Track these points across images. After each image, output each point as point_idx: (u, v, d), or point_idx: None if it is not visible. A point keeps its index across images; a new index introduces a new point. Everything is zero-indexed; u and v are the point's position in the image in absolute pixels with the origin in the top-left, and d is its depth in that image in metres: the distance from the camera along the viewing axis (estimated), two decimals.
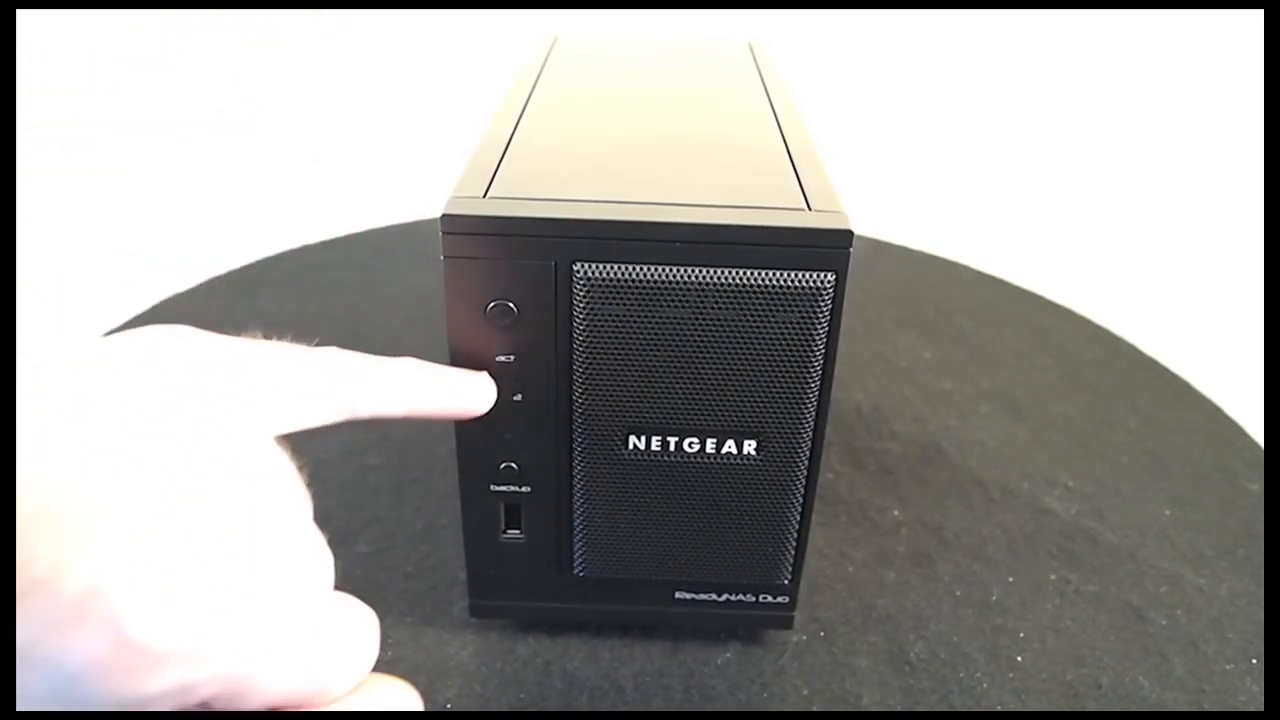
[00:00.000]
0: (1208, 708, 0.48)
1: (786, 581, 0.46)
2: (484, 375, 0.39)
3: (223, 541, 0.24)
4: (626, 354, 0.39)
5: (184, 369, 0.26)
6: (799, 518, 0.43)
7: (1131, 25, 2.08)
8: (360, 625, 0.27)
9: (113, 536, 0.22)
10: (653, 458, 0.41)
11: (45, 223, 1.69)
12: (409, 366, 0.35)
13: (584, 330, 0.38)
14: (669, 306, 0.38)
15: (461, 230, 0.37)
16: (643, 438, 0.41)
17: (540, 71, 0.57)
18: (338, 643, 0.26)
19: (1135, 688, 0.48)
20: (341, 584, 0.29)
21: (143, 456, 0.23)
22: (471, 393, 0.38)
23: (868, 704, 0.47)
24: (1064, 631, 0.51)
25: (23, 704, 0.22)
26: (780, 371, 0.39)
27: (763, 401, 0.40)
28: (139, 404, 0.24)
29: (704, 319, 0.38)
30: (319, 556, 0.27)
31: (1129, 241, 1.80)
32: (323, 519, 0.59)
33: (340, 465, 0.61)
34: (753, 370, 0.39)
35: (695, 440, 0.41)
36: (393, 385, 0.34)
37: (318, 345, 0.32)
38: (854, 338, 0.77)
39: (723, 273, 0.37)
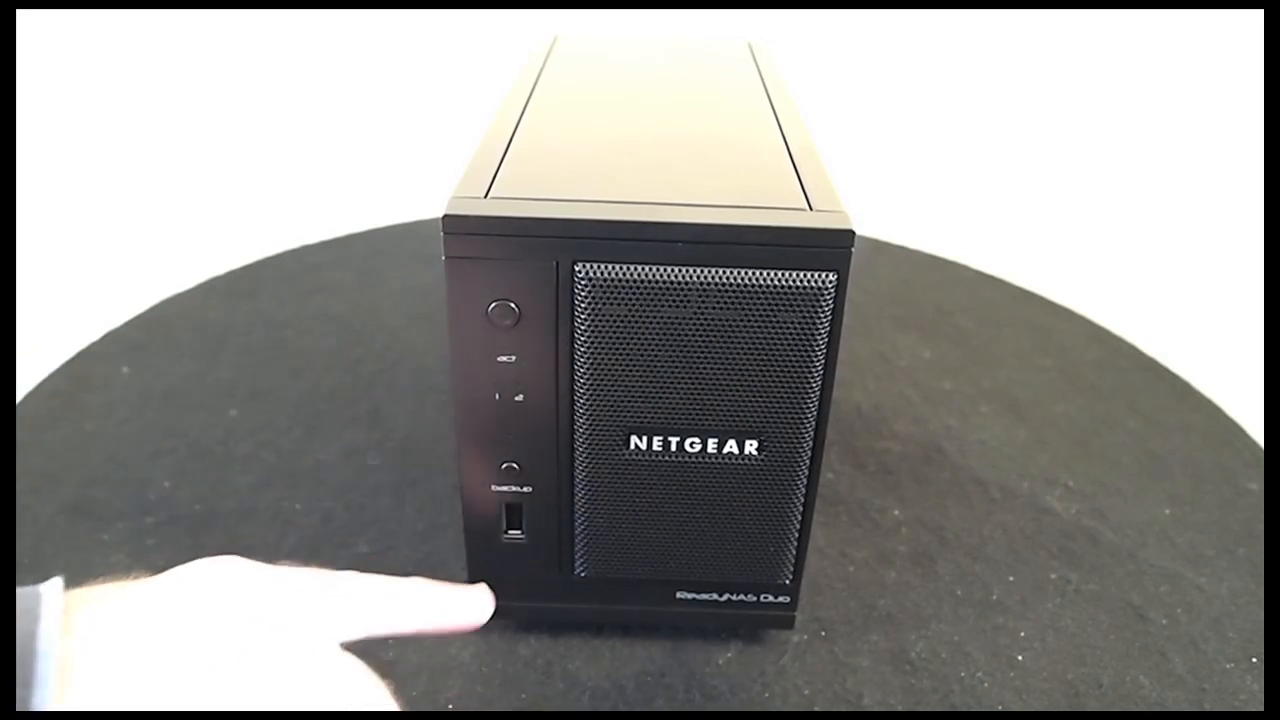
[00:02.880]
0: (1208, 707, 0.48)
1: (787, 581, 0.46)
2: (482, 588, 0.39)
3: None
4: (628, 354, 0.39)
5: (248, 600, 0.31)
6: (800, 517, 0.43)
7: (1132, 25, 2.08)
8: None
9: None
10: (654, 458, 0.41)
11: (45, 223, 1.69)
12: (417, 590, 0.36)
13: (586, 330, 0.38)
14: (670, 307, 0.38)
15: (463, 230, 0.37)
16: (644, 438, 0.41)
17: (540, 71, 0.57)
18: None
19: (1136, 687, 0.48)
20: None
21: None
22: (471, 609, 0.38)
23: (869, 704, 0.47)
24: (1064, 631, 0.52)
25: None
26: (782, 371, 0.39)
27: (764, 401, 0.40)
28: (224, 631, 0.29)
29: (705, 319, 0.38)
30: None
31: (1130, 242, 1.80)
32: (323, 519, 0.58)
33: (340, 465, 0.61)
34: (754, 370, 0.39)
35: (697, 440, 0.41)
36: (406, 609, 0.35)
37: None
38: (854, 338, 0.77)
39: (724, 273, 0.37)
